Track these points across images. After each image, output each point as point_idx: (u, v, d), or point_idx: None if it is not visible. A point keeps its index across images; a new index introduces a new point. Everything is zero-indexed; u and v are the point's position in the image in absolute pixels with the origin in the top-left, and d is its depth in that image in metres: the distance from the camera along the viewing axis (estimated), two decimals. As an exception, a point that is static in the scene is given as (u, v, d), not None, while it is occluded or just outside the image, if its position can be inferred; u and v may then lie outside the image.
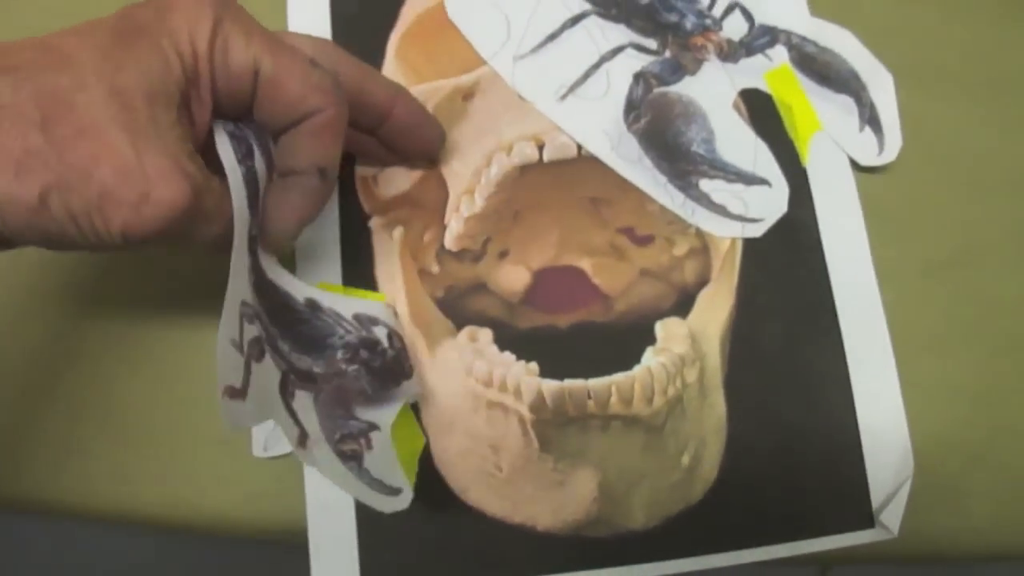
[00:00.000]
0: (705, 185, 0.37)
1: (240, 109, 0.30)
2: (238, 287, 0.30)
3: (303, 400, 0.33)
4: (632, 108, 0.37)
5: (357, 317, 0.34)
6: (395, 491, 0.32)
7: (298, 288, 0.33)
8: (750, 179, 0.37)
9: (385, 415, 0.32)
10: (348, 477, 0.32)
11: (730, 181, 0.37)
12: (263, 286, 0.32)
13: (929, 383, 0.36)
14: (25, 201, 0.25)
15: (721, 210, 0.36)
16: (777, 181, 0.37)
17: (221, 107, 0.29)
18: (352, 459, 0.32)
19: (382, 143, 0.35)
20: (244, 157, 0.30)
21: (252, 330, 0.31)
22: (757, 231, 0.36)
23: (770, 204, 0.37)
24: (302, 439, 0.33)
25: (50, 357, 0.37)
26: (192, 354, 0.36)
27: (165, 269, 0.37)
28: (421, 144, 0.36)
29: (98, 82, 0.26)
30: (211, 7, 0.28)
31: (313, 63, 0.29)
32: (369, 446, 0.32)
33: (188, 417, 0.36)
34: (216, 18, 0.28)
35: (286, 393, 0.32)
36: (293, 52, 0.29)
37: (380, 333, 0.34)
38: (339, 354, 0.32)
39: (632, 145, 0.37)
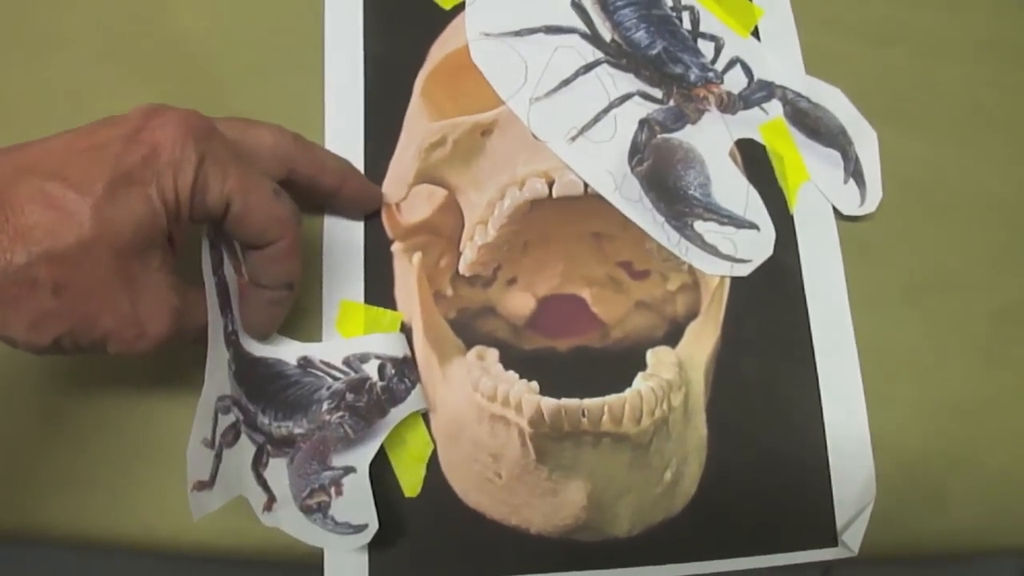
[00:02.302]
0: (699, 226, 0.42)
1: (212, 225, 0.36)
2: (212, 387, 0.37)
3: (276, 467, 0.38)
4: (636, 151, 0.43)
5: (347, 361, 0.40)
6: (361, 528, 0.37)
7: (291, 350, 0.39)
8: (741, 223, 0.42)
9: (364, 454, 0.38)
10: (312, 528, 0.37)
11: (722, 224, 0.42)
12: (247, 369, 0.38)
13: (912, 397, 0.42)
14: (39, 344, 0.32)
15: (712, 250, 0.42)
16: (765, 226, 0.42)
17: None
18: (318, 511, 0.37)
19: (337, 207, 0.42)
20: (216, 267, 0.37)
21: (227, 420, 0.38)
22: (744, 271, 0.42)
23: (757, 247, 0.42)
24: (269, 504, 0.38)
25: (65, 391, 0.41)
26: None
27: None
28: (365, 209, 0.42)
29: (99, 242, 0.31)
30: (194, 148, 0.33)
31: (277, 193, 0.35)
32: (339, 492, 0.38)
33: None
34: (199, 159, 0.33)
35: (259, 465, 0.38)
36: (260, 188, 0.35)
37: (370, 368, 0.39)
38: (324, 406, 0.38)
39: (634, 186, 0.42)
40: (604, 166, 0.43)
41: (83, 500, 0.40)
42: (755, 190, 0.43)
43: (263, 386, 0.38)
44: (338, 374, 0.39)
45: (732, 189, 0.43)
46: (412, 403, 0.39)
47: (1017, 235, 0.44)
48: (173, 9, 0.46)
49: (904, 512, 0.41)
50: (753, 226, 0.42)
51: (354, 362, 0.39)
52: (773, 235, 0.42)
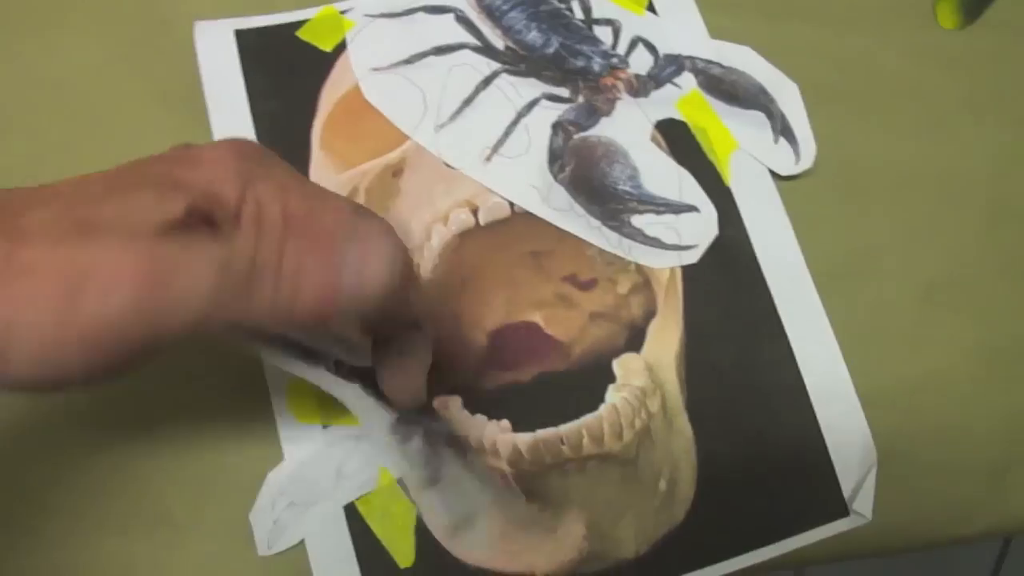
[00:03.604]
0: (637, 221, 0.41)
1: None
2: None
3: None
4: (555, 158, 0.41)
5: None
6: None
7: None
8: (678, 208, 0.41)
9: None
10: None
11: (660, 213, 0.41)
12: None
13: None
14: None
15: (656, 242, 0.41)
16: (704, 205, 0.41)
17: None
18: None
19: None
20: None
21: None
22: (693, 257, 0.41)
23: (702, 229, 0.41)
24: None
25: (47, 454, 0.39)
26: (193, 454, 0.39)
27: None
28: None
29: None
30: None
31: None
32: None
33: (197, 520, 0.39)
34: None
35: None
36: None
37: None
38: None
39: (561, 194, 0.41)
40: (526, 180, 0.41)
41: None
42: (686, 171, 0.42)
43: None
44: None
45: (662, 175, 0.41)
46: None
47: (936, 206, 0.44)
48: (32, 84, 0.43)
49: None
50: (692, 208, 0.41)
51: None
52: (715, 213, 0.41)
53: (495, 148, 0.42)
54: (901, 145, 0.44)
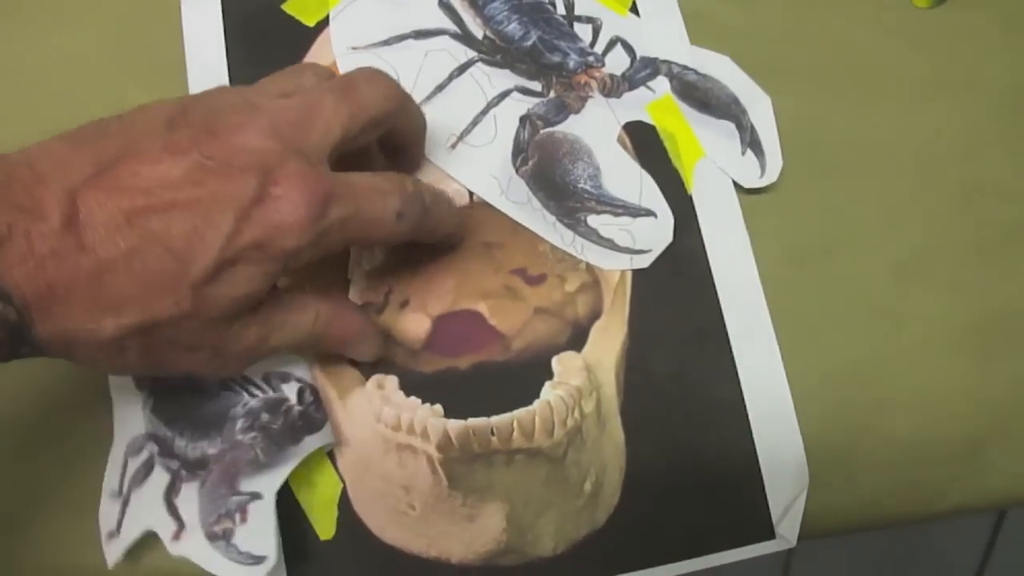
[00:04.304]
0: (593, 221, 0.41)
1: None
2: (122, 437, 0.38)
3: (188, 493, 0.37)
4: (519, 151, 0.42)
5: (266, 378, 0.39)
6: (259, 559, 0.37)
7: None
8: (636, 211, 0.41)
9: (272, 481, 0.37)
10: (215, 556, 0.37)
11: (617, 215, 0.41)
12: (167, 394, 0.38)
13: (811, 365, 0.41)
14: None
15: (609, 244, 0.41)
16: (662, 211, 0.41)
17: None
18: (222, 538, 0.37)
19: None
20: None
21: (137, 460, 0.38)
22: (645, 262, 0.41)
23: (656, 234, 0.41)
24: (178, 533, 0.37)
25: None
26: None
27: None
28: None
29: (193, 317, 0.32)
30: (315, 227, 0.32)
31: (400, 217, 0.35)
32: (244, 519, 0.37)
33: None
34: (317, 236, 0.32)
35: (172, 493, 0.37)
36: (383, 224, 0.35)
37: (290, 390, 0.39)
38: (239, 423, 0.37)
39: (521, 187, 0.41)
40: (488, 171, 0.42)
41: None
42: (648, 175, 0.42)
43: (183, 406, 0.38)
44: (256, 391, 0.39)
45: (624, 177, 0.41)
46: (327, 434, 0.39)
47: (909, 184, 0.43)
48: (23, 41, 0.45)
49: (813, 488, 0.39)
50: (650, 213, 0.41)
51: (274, 380, 0.39)
52: (671, 220, 0.41)
53: (461, 136, 0.42)
54: (874, 123, 0.44)
